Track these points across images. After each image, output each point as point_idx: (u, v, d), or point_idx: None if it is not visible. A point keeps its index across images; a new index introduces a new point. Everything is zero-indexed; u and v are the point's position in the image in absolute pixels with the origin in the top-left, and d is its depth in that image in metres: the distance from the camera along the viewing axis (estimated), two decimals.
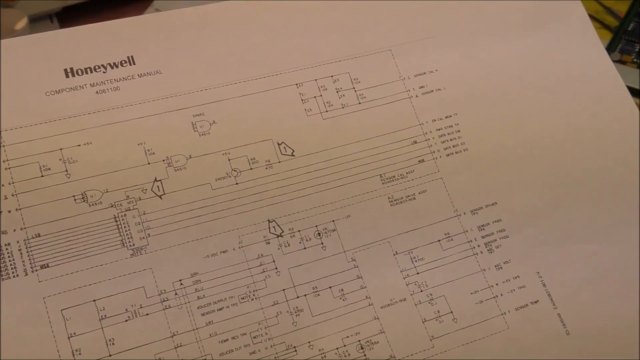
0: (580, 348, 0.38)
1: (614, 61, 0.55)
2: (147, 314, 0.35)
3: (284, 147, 0.39)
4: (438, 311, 0.38)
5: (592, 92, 0.44)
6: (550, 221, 0.40)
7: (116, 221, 0.36)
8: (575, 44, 0.45)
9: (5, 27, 0.50)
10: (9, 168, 0.36)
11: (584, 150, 0.42)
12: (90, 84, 0.38)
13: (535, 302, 0.39)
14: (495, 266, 0.39)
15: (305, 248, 0.38)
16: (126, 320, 0.35)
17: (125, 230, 0.36)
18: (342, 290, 0.37)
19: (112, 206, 0.36)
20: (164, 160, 0.37)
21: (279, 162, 0.39)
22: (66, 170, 0.36)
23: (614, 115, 0.43)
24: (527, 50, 0.44)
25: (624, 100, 0.44)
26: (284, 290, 0.37)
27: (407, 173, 0.40)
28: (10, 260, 0.34)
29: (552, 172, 0.41)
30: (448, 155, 0.41)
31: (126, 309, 0.35)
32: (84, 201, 0.36)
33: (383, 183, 0.40)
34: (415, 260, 0.39)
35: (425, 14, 0.43)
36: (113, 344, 0.34)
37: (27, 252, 0.35)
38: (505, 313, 0.38)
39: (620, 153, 0.42)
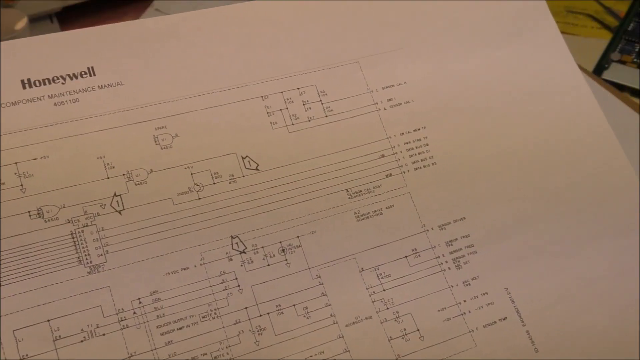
0: None
1: (613, 61, 0.55)
2: (103, 334, 0.34)
3: (249, 161, 0.38)
4: (404, 329, 0.37)
5: (562, 105, 0.43)
6: (519, 236, 0.40)
7: (73, 238, 0.35)
8: (545, 57, 0.44)
9: (5, 27, 0.49)
10: None
11: (554, 165, 0.42)
12: (49, 96, 0.37)
13: (504, 319, 0.38)
14: (464, 282, 0.39)
15: (269, 265, 0.37)
16: (81, 341, 0.34)
17: (83, 247, 0.35)
18: (307, 308, 0.37)
19: (69, 222, 0.35)
20: (124, 175, 0.36)
21: (243, 176, 0.38)
22: (21, 185, 0.35)
23: (584, 128, 0.43)
24: (497, 63, 0.43)
25: (594, 113, 0.43)
26: (246, 308, 0.36)
27: (374, 188, 0.39)
28: None
29: (521, 186, 0.41)
30: (416, 169, 0.40)
31: (82, 329, 0.34)
32: (39, 217, 0.35)
33: (349, 198, 0.39)
34: (382, 277, 0.38)
35: (394, 26, 0.43)
36: None
37: None
38: (473, 330, 0.38)
39: (591, 168, 0.42)
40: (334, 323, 0.37)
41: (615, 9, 0.64)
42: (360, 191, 0.39)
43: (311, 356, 0.36)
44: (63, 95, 0.37)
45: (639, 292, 0.39)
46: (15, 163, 0.35)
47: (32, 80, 0.37)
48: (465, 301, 0.38)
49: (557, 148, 0.42)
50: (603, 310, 0.39)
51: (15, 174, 0.35)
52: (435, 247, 0.39)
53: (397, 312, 0.37)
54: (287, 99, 0.40)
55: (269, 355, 0.35)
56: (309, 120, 0.40)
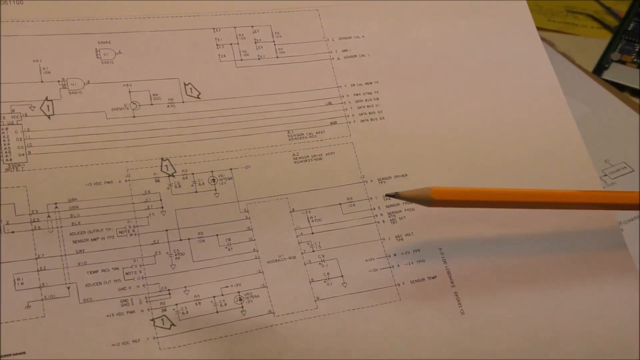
0: (473, 329, 0.36)
1: (613, 61, 0.55)
2: (12, 232, 0.33)
3: (190, 88, 0.38)
4: (328, 273, 0.36)
5: (521, 81, 0.43)
6: None
7: None
8: (510, 32, 0.44)
9: None
10: None
11: (503, 139, 0.41)
12: None
13: (433, 277, 0.37)
14: (396, 237, 0.38)
15: (196, 192, 0.36)
16: None
17: (5, 144, 0.34)
18: (230, 240, 0.36)
19: None
20: (59, 81, 0.36)
21: (183, 102, 0.37)
22: None
23: (540, 107, 0.42)
24: (458, 32, 0.43)
25: (554, 94, 0.42)
26: (167, 230, 0.35)
27: (316, 133, 0.39)
28: None
29: (467, 155, 0.40)
30: (362, 121, 0.40)
31: None
32: None
33: (290, 139, 0.38)
34: (312, 220, 0.37)
35: None
36: None
37: None
38: (399, 284, 0.37)
39: (541, 147, 0.41)
40: (256, 258, 0.36)
41: (615, 9, 0.64)
42: (302, 134, 0.39)
43: (227, 287, 0.35)
44: None
45: None
46: None
47: None
48: (395, 255, 0.37)
49: (509, 123, 0.41)
50: (530, 285, 0.38)
51: None
52: (372, 198, 0.38)
53: (323, 255, 0.36)
54: (239, 35, 0.40)
55: (183, 280, 0.34)
56: (259, 59, 0.39)
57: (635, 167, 0.42)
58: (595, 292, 0.38)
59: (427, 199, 0.35)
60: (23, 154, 0.34)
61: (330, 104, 0.39)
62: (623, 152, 0.48)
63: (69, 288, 0.33)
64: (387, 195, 0.36)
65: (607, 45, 0.59)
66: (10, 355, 0.31)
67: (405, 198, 0.36)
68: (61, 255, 0.33)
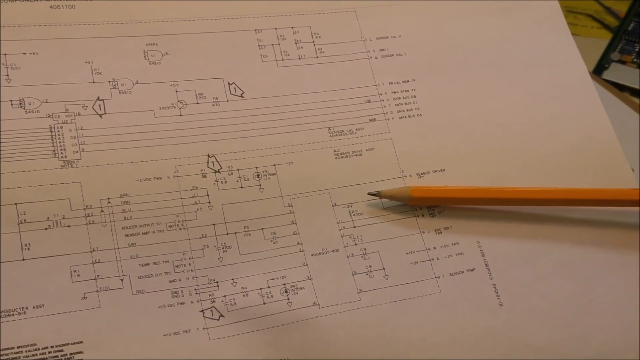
0: (511, 321, 0.37)
1: (613, 61, 0.56)
2: (68, 226, 0.34)
3: (234, 88, 0.39)
4: (370, 266, 0.37)
5: (554, 77, 0.44)
6: None
7: (51, 131, 0.36)
8: (543, 30, 0.45)
9: None
10: None
11: (537, 133, 0.42)
12: None
13: (472, 270, 0.38)
14: (435, 230, 0.38)
15: (242, 187, 0.37)
16: (46, 229, 0.34)
17: (59, 142, 0.35)
18: (275, 233, 0.37)
19: (49, 116, 0.36)
20: (109, 82, 0.37)
21: (227, 101, 0.38)
22: (7, 75, 0.36)
23: (573, 102, 0.43)
24: (492, 29, 0.44)
25: (586, 89, 0.43)
26: (214, 224, 0.36)
27: (356, 129, 0.40)
28: None
29: (502, 149, 0.41)
30: (401, 118, 0.41)
31: (48, 218, 0.34)
32: (20, 107, 0.35)
33: (331, 136, 0.39)
34: (354, 214, 0.38)
35: None
36: (28, 249, 0.33)
37: None
38: (439, 277, 0.37)
39: (574, 141, 0.42)
40: (300, 251, 0.37)
41: (615, 9, 0.64)
42: (342, 131, 0.40)
43: (273, 279, 0.36)
44: (60, 0, 0.38)
45: None
46: (4, 54, 0.36)
47: None
48: (435, 248, 0.38)
49: (542, 117, 0.43)
50: (566, 277, 0.38)
51: (2, 64, 0.36)
52: None
53: (365, 249, 0.37)
54: (280, 36, 0.41)
55: (230, 272, 0.36)
56: (300, 59, 0.41)
57: (636, 167, 0.43)
58: (631, 284, 0.38)
59: (407, 197, 0.38)
60: (77, 151, 0.36)
61: (369, 101, 0.41)
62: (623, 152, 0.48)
63: (122, 280, 0.34)
64: (369, 194, 0.38)
65: (607, 45, 0.59)
66: (69, 344, 0.32)
67: (386, 196, 0.38)
68: (114, 249, 0.35)
